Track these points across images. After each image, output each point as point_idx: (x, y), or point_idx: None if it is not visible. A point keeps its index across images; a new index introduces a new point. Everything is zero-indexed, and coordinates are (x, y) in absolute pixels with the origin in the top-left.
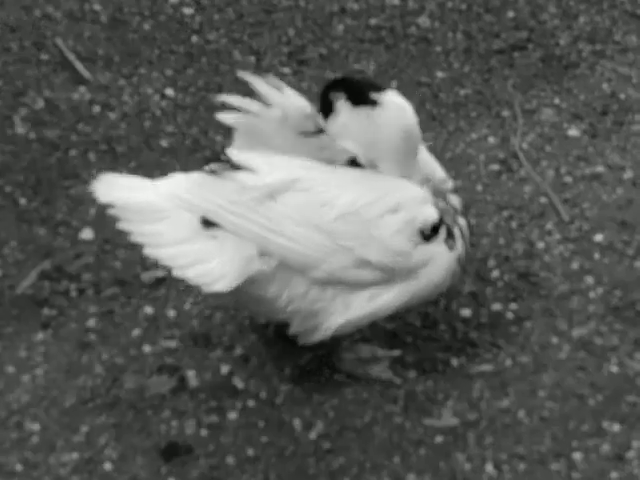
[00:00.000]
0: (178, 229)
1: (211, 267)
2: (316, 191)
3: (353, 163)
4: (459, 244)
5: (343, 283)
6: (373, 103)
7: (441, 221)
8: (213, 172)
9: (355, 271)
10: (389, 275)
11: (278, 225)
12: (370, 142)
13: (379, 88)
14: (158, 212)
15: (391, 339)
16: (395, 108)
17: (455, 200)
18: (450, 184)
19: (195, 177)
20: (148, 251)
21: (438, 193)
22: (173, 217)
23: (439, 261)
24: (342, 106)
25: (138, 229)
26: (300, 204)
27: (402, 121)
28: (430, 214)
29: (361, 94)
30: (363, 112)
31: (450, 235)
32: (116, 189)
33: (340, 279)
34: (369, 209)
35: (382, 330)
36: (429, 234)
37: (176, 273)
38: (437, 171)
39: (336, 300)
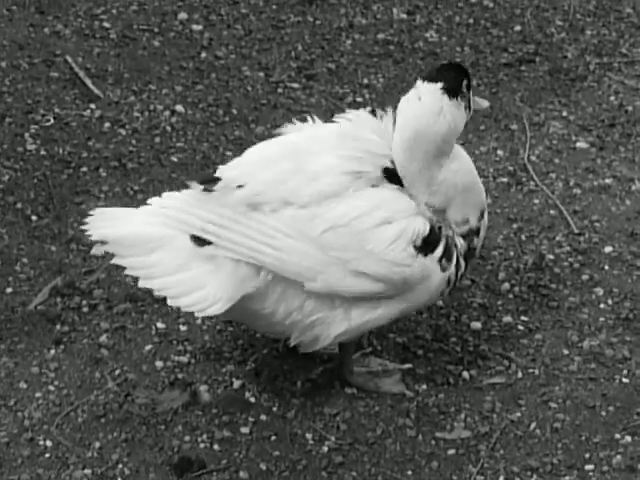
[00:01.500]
0: (171, 257)
1: (205, 293)
2: (306, 204)
3: (387, 171)
4: (452, 266)
5: (342, 296)
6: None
7: (438, 238)
8: (205, 189)
9: (353, 282)
10: (390, 286)
11: (271, 238)
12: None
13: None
14: (150, 242)
15: (402, 352)
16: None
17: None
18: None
19: (185, 195)
20: (142, 284)
21: (438, 212)
22: (166, 245)
23: (432, 279)
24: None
25: (130, 264)
26: (292, 217)
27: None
28: (420, 226)
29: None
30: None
31: (447, 255)
32: (107, 224)
33: (338, 292)
34: (360, 222)
35: (393, 343)
36: (420, 246)
37: (170, 303)
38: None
39: (335, 311)
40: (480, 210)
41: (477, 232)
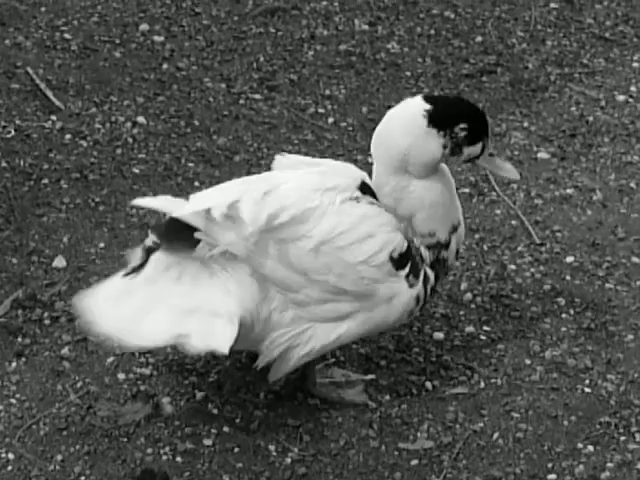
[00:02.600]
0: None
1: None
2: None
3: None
4: (419, 283)
5: (319, 316)
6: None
7: (410, 255)
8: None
9: (332, 303)
10: (365, 302)
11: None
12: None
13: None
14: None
15: (365, 363)
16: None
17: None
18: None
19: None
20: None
21: (403, 220)
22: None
23: (399, 295)
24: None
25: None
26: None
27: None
28: (399, 241)
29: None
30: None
31: (414, 271)
32: (98, 304)
33: (316, 313)
34: (343, 238)
35: (355, 354)
36: (398, 260)
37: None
38: None
39: (305, 333)
40: (451, 225)
41: (446, 245)
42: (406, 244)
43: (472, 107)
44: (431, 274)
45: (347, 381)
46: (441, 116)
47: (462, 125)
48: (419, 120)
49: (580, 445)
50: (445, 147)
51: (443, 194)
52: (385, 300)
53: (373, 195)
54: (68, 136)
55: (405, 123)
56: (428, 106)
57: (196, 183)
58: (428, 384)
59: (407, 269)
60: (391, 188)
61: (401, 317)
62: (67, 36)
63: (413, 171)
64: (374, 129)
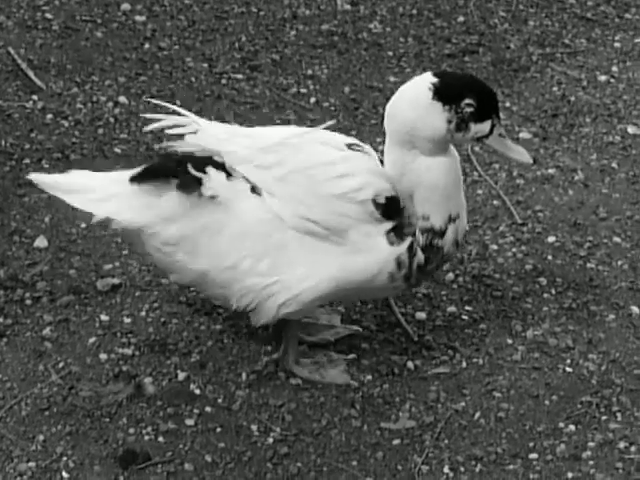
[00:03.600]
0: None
1: None
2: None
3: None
4: (403, 246)
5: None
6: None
7: (396, 210)
8: None
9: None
10: (338, 244)
11: None
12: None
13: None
14: None
15: (347, 342)
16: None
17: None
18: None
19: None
20: None
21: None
22: None
23: (376, 250)
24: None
25: None
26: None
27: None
28: (384, 187)
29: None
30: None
31: (398, 231)
32: None
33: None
34: (320, 171)
35: None
36: (384, 207)
37: None
38: None
39: (274, 281)
40: (446, 213)
41: (441, 234)
42: (393, 193)
43: (480, 84)
44: (420, 254)
45: (329, 360)
46: (446, 90)
47: (468, 100)
48: (425, 93)
49: (561, 424)
50: (450, 122)
51: (444, 179)
52: (360, 248)
53: None
54: (49, 116)
55: (411, 96)
56: (435, 79)
57: None
58: (410, 364)
59: (391, 224)
60: (396, 162)
61: (380, 277)
62: (48, 16)
63: (420, 146)
64: (356, 109)
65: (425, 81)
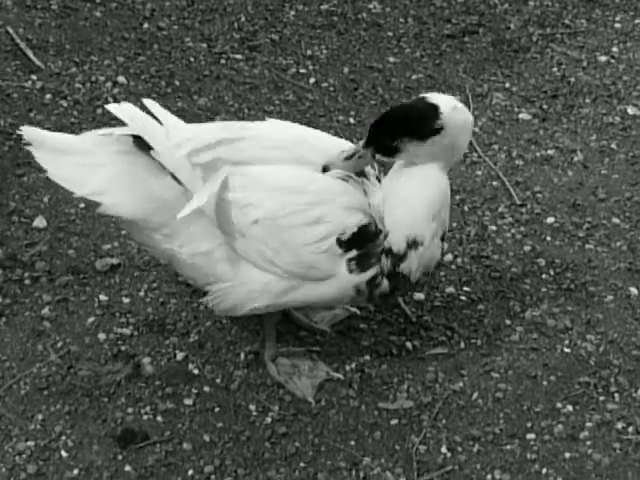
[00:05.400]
0: None
1: None
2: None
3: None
4: (364, 276)
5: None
6: (437, 130)
7: (360, 240)
8: None
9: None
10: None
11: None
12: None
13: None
14: None
15: (346, 323)
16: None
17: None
18: None
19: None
20: None
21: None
22: None
23: (335, 279)
24: (409, 145)
25: None
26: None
27: (469, 124)
28: (354, 220)
29: (425, 127)
30: (430, 140)
31: (360, 261)
32: None
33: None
34: (290, 219)
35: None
36: (346, 243)
37: None
38: None
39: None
40: (407, 236)
41: (401, 258)
42: (365, 222)
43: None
44: (386, 284)
45: (310, 369)
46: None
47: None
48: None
49: (559, 405)
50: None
51: (411, 196)
52: (321, 277)
53: None
54: (48, 96)
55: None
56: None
57: None
58: (408, 344)
59: (354, 253)
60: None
61: (340, 299)
62: None
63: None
64: (355, 89)
65: None
